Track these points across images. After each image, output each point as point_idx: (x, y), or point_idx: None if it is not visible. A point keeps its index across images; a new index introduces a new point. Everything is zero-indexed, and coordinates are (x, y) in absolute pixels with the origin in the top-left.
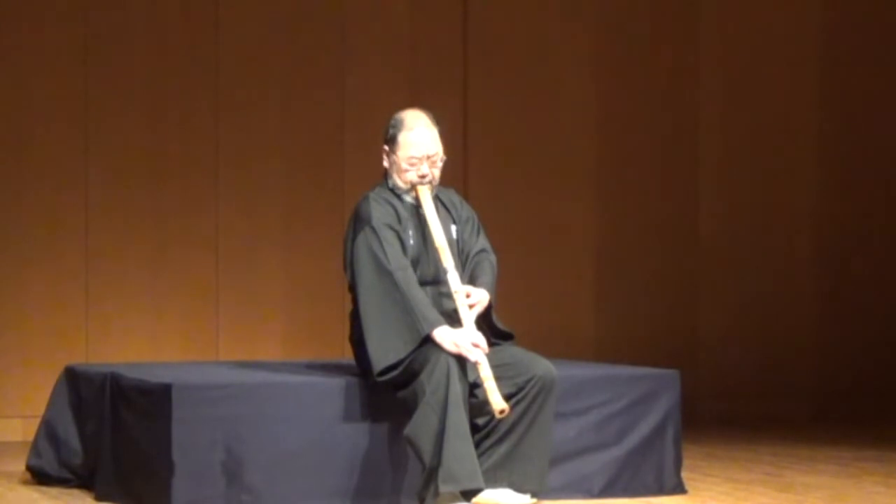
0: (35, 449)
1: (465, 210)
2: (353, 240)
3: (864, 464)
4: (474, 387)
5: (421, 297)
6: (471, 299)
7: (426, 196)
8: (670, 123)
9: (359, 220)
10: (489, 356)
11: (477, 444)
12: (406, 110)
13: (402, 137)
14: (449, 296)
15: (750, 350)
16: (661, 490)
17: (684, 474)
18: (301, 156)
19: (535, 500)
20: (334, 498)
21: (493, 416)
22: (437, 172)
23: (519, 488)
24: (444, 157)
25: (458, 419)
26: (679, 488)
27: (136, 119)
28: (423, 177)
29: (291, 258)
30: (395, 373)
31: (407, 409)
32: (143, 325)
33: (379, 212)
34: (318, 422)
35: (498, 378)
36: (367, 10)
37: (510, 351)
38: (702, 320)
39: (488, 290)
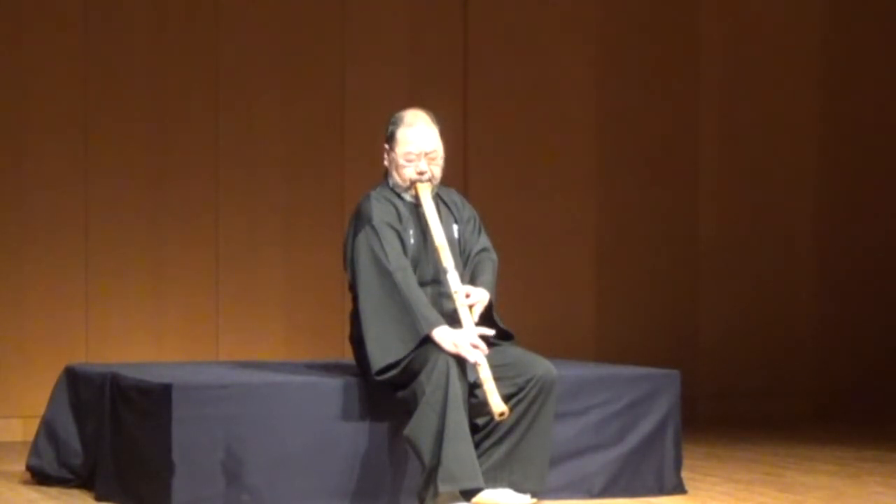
0: (35, 449)
1: (467, 209)
2: (354, 238)
3: (864, 464)
4: (474, 387)
5: (420, 298)
6: (470, 299)
7: (426, 194)
8: (670, 123)
9: (359, 219)
10: (489, 356)
11: (477, 445)
12: (407, 109)
13: (401, 134)
14: (449, 296)
15: (750, 350)
16: (661, 490)
17: (684, 474)
18: (301, 155)
19: (535, 500)
20: (334, 498)
21: (493, 417)
22: (436, 171)
23: (519, 488)
24: (444, 156)
25: (458, 419)
26: (679, 488)
27: (136, 119)
28: (421, 173)
29: (291, 258)
30: (393, 372)
31: (407, 409)
32: (143, 325)
33: (380, 210)
34: (318, 422)
35: (498, 378)
36: (367, 10)
37: (510, 351)
38: (702, 320)
39: (488, 289)
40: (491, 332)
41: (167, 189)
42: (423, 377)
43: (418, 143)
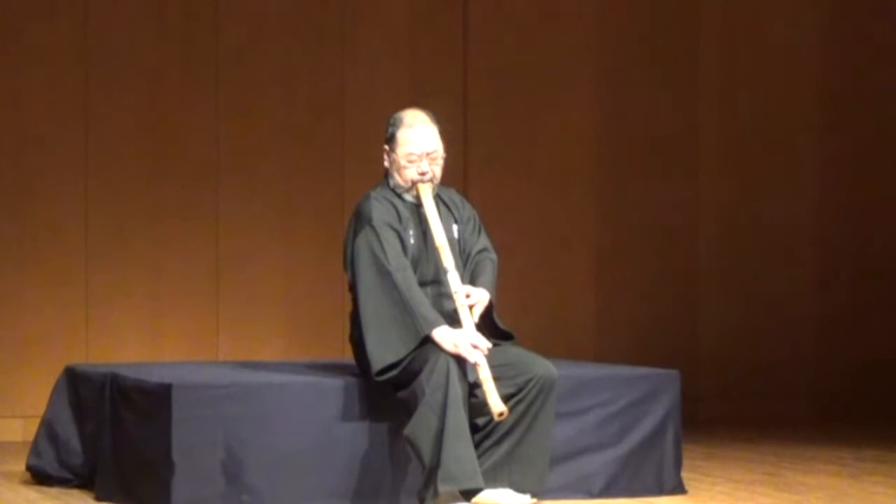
0: (35, 449)
1: (467, 209)
2: (354, 239)
3: (864, 464)
4: (474, 387)
5: (421, 298)
6: (470, 299)
7: (427, 194)
8: (670, 123)
9: (359, 219)
10: (489, 356)
11: (477, 445)
12: (405, 109)
13: (401, 135)
14: (449, 296)
15: (750, 350)
16: (661, 490)
17: (684, 474)
18: (301, 156)
19: (535, 500)
20: (334, 498)
21: (493, 417)
22: (437, 170)
23: (519, 488)
24: (444, 156)
25: (458, 419)
26: (679, 488)
27: (136, 119)
28: (422, 174)
29: (291, 258)
30: (394, 372)
31: (407, 410)
32: (143, 325)
33: (380, 211)
34: (318, 422)
35: (498, 378)
36: (367, 9)
37: (510, 351)
38: (702, 320)
39: (488, 289)
40: (489, 344)
41: (167, 189)
42: (423, 377)
43: (419, 144)
